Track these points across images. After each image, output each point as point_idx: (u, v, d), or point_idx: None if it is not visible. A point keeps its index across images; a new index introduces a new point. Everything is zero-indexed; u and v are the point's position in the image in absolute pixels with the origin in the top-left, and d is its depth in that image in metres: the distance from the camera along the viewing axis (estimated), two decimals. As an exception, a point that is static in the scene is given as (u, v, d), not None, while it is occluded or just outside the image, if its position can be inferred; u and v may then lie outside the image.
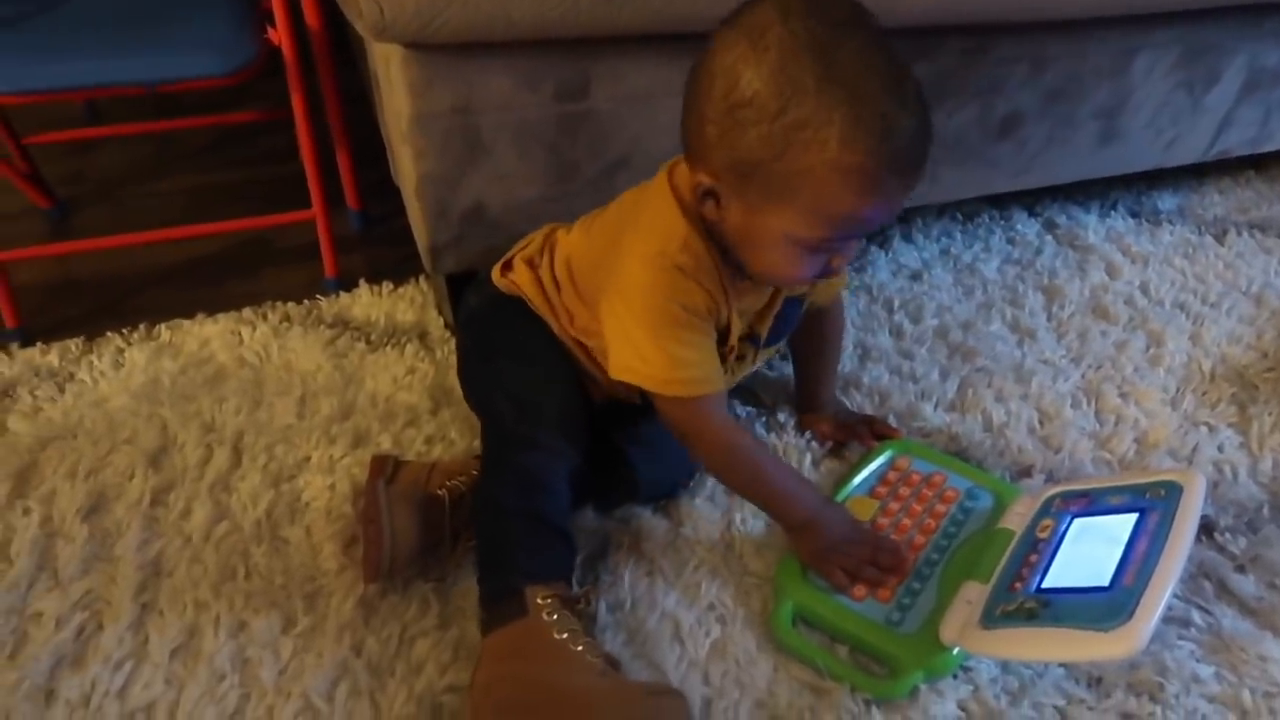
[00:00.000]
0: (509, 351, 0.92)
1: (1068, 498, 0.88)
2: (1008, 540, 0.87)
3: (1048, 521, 0.86)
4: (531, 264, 0.92)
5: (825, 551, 0.86)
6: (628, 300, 0.81)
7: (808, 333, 1.01)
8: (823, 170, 0.69)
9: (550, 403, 0.87)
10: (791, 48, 0.67)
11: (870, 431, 1.03)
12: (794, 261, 0.76)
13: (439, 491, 0.88)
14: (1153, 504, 0.82)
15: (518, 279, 0.93)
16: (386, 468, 0.92)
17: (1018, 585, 0.80)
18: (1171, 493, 0.82)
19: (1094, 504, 0.86)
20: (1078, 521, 0.85)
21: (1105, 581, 0.76)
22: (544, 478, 0.84)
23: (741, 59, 0.68)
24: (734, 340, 0.87)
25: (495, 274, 0.95)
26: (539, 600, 0.77)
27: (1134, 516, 0.81)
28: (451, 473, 0.91)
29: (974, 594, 0.83)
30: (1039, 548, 0.83)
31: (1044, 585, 0.79)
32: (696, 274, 0.79)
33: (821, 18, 0.68)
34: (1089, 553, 0.80)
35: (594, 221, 0.90)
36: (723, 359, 0.86)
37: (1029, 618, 0.76)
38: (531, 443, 0.85)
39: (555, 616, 0.76)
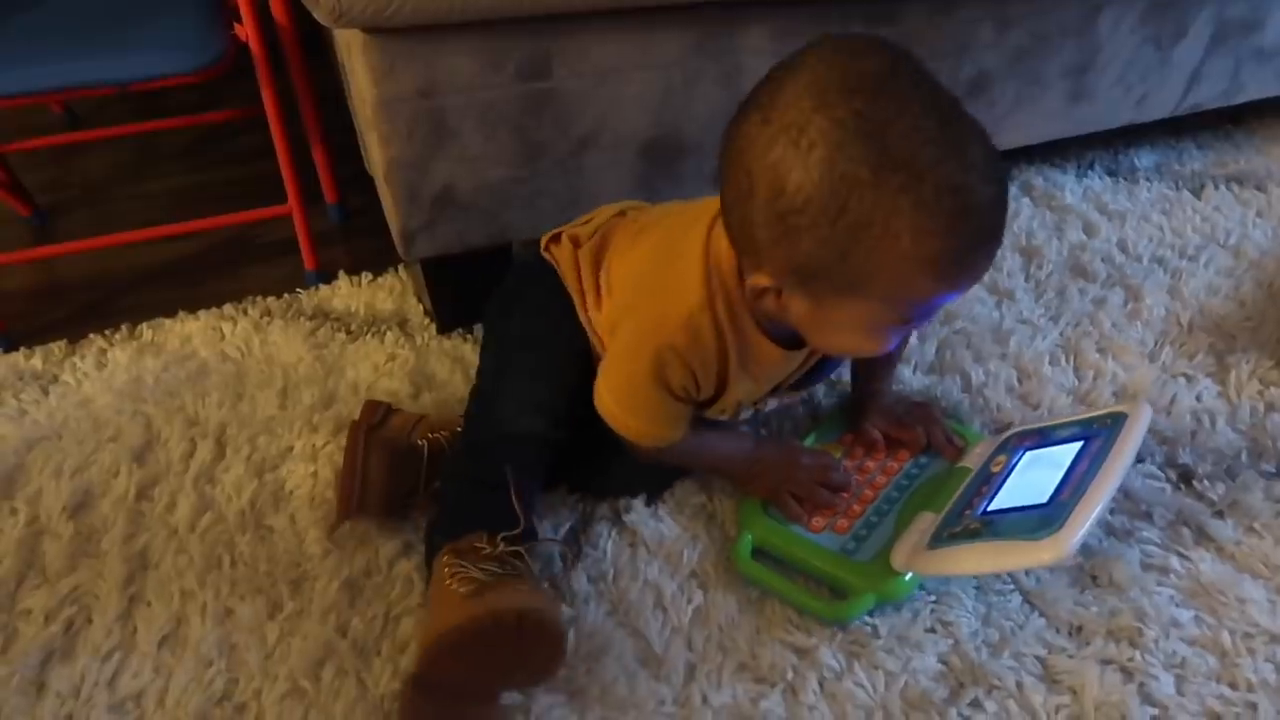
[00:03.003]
0: (520, 317, 0.91)
1: (1024, 435, 0.91)
2: (964, 476, 0.89)
3: (1002, 457, 0.89)
4: (576, 241, 0.90)
5: (774, 486, 0.89)
6: (618, 347, 0.81)
7: None
8: (898, 264, 0.62)
9: (526, 367, 0.88)
10: (837, 138, 0.60)
11: (926, 433, 0.94)
12: (871, 341, 0.71)
13: (419, 442, 0.90)
14: (1098, 432, 0.84)
15: (558, 254, 0.91)
16: (377, 413, 0.94)
17: (967, 512, 0.83)
18: (1117, 421, 0.84)
19: (1046, 438, 0.88)
20: (1029, 454, 0.87)
21: (1044, 499, 0.78)
22: (495, 439, 0.85)
23: (784, 160, 0.61)
24: (718, 411, 0.85)
25: (542, 242, 0.93)
26: (444, 558, 0.78)
27: (1079, 444, 0.84)
28: (436, 426, 0.93)
29: (926, 523, 0.85)
30: (991, 480, 0.86)
31: (990, 509, 0.82)
32: (688, 354, 0.76)
33: (860, 90, 0.60)
34: (1034, 477, 0.83)
35: (644, 233, 0.85)
36: (703, 410, 0.86)
37: (972, 536, 0.78)
38: (493, 406, 0.87)
39: (450, 568, 0.77)
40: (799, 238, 0.64)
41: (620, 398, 0.81)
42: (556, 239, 0.92)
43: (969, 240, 0.63)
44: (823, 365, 0.89)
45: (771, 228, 0.65)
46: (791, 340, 0.79)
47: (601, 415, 0.83)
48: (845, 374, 1.06)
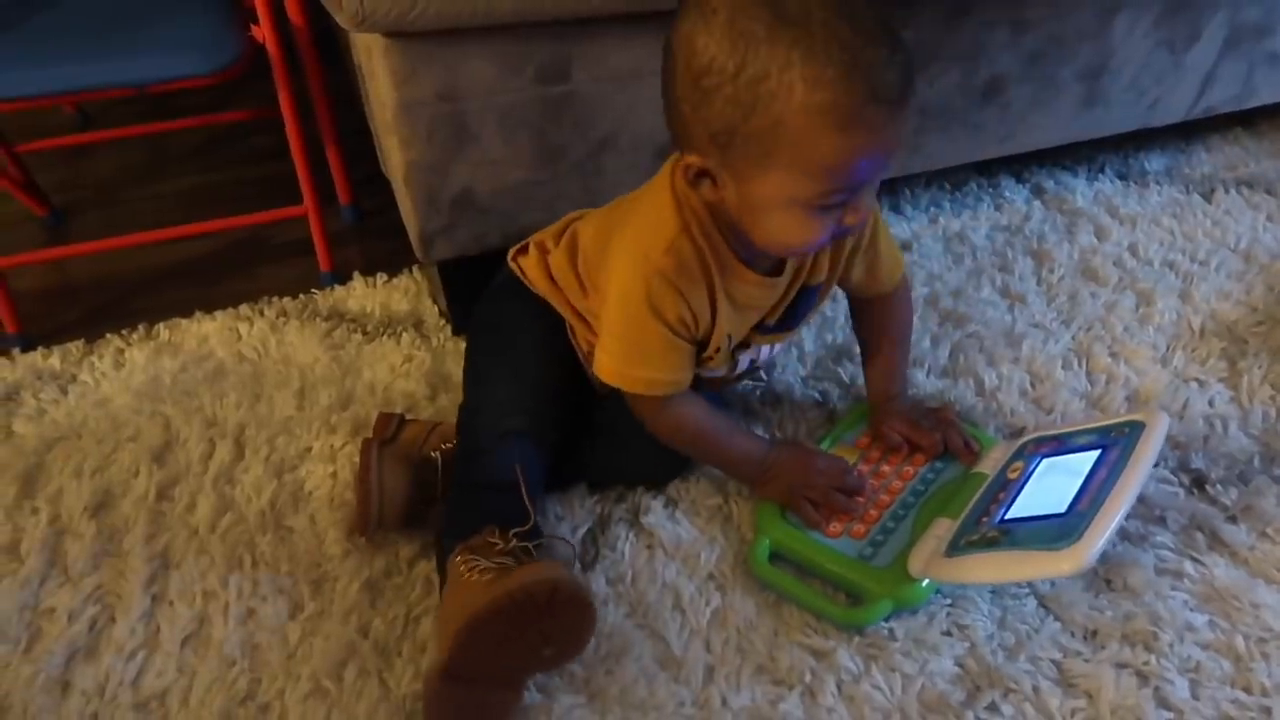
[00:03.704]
0: (491, 328, 0.95)
1: (1040, 442, 0.92)
2: (980, 482, 0.90)
3: (1019, 464, 0.89)
4: (543, 248, 0.94)
5: (791, 491, 0.89)
6: (610, 301, 0.83)
7: (871, 324, 1.00)
8: (796, 118, 0.67)
9: (500, 372, 0.91)
10: (738, 4, 0.67)
11: (944, 437, 0.95)
12: (802, 226, 0.74)
13: (433, 454, 0.91)
14: (1115, 440, 0.85)
15: (525, 263, 0.94)
16: (390, 427, 0.95)
17: (984, 519, 0.83)
18: (1134, 430, 0.85)
19: (1063, 445, 0.89)
20: (1045, 461, 0.88)
21: (1063, 509, 0.79)
22: (484, 442, 0.87)
23: (693, 28, 0.69)
24: (713, 349, 0.87)
25: (509, 255, 0.97)
26: (458, 557, 0.78)
27: (1096, 452, 0.85)
28: (448, 436, 0.94)
29: (943, 529, 0.86)
30: (1008, 486, 0.86)
31: (1008, 517, 0.82)
32: (678, 279, 0.80)
33: None
34: (1051, 485, 0.84)
35: (608, 214, 0.89)
36: (704, 360, 0.88)
37: (990, 545, 0.79)
38: (477, 413, 0.90)
39: (466, 564, 0.77)
40: (710, 99, 0.69)
41: (621, 349, 0.84)
42: (524, 250, 0.96)
43: (861, 93, 0.66)
44: (803, 301, 0.91)
45: (689, 97, 0.71)
46: (768, 268, 0.84)
47: (608, 381, 0.85)
48: (859, 378, 1.06)
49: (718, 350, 0.87)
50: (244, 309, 1.22)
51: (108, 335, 1.18)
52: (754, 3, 0.66)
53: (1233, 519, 0.92)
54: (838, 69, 0.66)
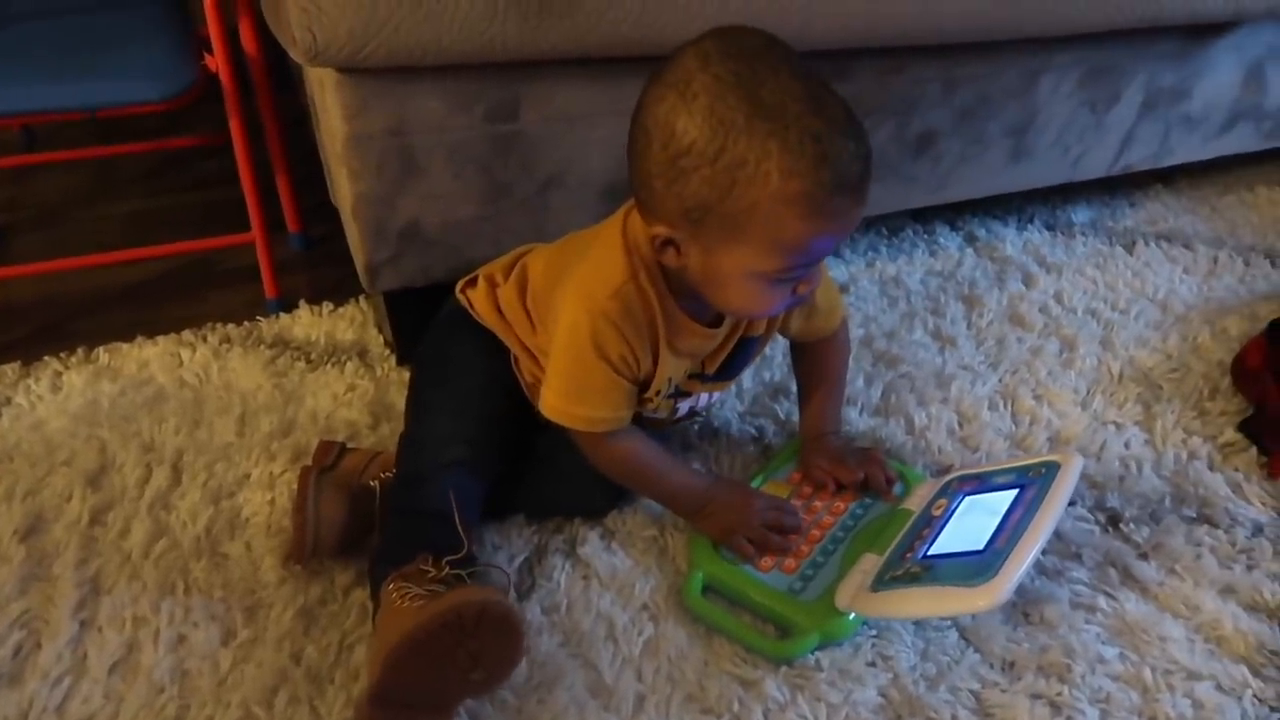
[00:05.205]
0: (436, 359, 0.97)
1: (964, 480, 0.95)
2: (907, 519, 0.93)
3: (942, 501, 0.93)
4: (492, 281, 0.96)
5: (728, 528, 0.92)
6: (557, 340, 0.85)
7: (808, 365, 1.03)
8: (769, 203, 0.72)
9: (444, 403, 0.93)
10: (717, 90, 0.70)
11: (867, 477, 0.97)
12: (759, 295, 0.79)
13: (371, 483, 0.92)
14: (1033, 480, 0.89)
15: (473, 296, 0.96)
16: (330, 455, 0.96)
17: (908, 555, 0.86)
18: (1050, 471, 0.89)
19: (983, 484, 0.93)
20: (967, 499, 0.91)
21: (981, 546, 0.83)
22: (425, 471, 0.89)
23: (673, 110, 0.72)
24: (653, 391, 0.89)
25: (458, 287, 0.99)
26: (390, 586, 0.79)
27: (1014, 491, 0.88)
28: (388, 465, 0.95)
29: (870, 564, 0.89)
30: (932, 523, 0.90)
31: (930, 553, 0.85)
32: (621, 323, 0.82)
33: (738, 56, 0.71)
34: (971, 523, 0.87)
35: (558, 251, 0.92)
36: (644, 401, 0.90)
37: (912, 580, 0.82)
38: (420, 443, 0.91)
39: (398, 590, 0.78)
40: (687, 179, 0.73)
41: (565, 387, 0.86)
42: (472, 282, 0.98)
43: (829, 184, 0.71)
44: (742, 352, 0.94)
45: (665, 173, 0.74)
46: (709, 320, 0.88)
47: (551, 418, 0.87)
48: (795, 414, 1.09)
49: (657, 393, 0.90)
50: (187, 334, 1.22)
51: (46, 358, 1.17)
52: (732, 91, 0.70)
53: (1144, 556, 0.97)
54: (809, 161, 0.70)
